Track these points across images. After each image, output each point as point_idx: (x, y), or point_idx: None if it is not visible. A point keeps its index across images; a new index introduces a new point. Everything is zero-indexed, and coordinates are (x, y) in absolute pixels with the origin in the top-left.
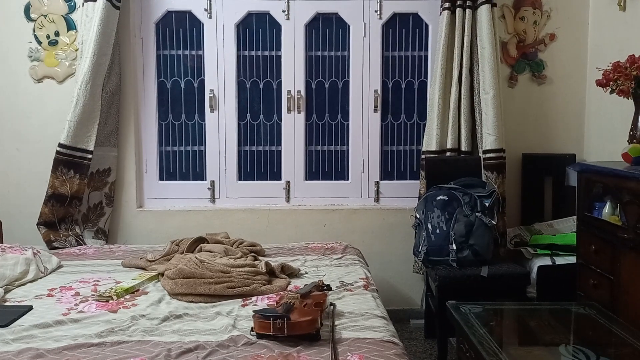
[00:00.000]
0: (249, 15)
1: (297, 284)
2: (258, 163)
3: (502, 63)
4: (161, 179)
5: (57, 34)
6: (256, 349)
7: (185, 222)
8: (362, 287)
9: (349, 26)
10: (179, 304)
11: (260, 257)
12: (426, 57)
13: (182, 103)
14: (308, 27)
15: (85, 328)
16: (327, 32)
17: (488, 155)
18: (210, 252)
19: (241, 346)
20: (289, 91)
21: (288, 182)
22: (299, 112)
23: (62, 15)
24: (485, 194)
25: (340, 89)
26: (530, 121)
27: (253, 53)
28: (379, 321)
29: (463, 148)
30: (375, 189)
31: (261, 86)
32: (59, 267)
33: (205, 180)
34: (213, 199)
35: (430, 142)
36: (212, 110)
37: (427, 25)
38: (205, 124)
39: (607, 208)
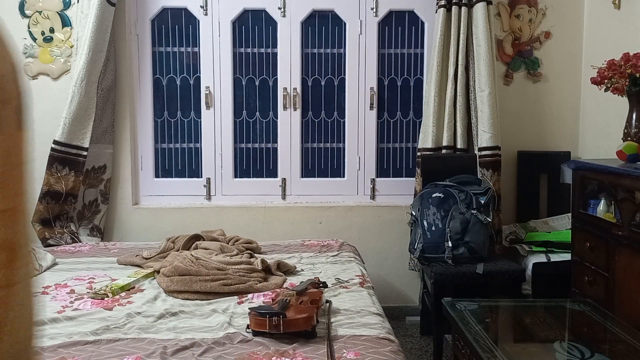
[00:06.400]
0: (245, 12)
1: (293, 281)
2: (254, 160)
3: (498, 61)
4: (157, 176)
5: (52, 30)
6: (252, 346)
7: (181, 219)
8: (358, 284)
9: (344, 23)
10: (174, 301)
11: (256, 255)
12: (422, 54)
13: (178, 100)
14: (304, 24)
15: (81, 326)
16: (323, 29)
17: (484, 152)
18: (206, 249)
19: (237, 343)
20: (285, 88)
21: (284, 180)
22: (295, 109)
23: (57, 12)
24: (481, 191)
25: (336, 87)
26: (526, 119)
27: (249, 50)
28: (375, 318)
29: (459, 145)
30: (371, 186)
31: (257, 83)
32: (54, 264)
33: (201, 177)
34: (209, 196)
35: (426, 139)
36: (208, 107)
37: (422, 23)
38: (201, 121)
39: (601, 205)
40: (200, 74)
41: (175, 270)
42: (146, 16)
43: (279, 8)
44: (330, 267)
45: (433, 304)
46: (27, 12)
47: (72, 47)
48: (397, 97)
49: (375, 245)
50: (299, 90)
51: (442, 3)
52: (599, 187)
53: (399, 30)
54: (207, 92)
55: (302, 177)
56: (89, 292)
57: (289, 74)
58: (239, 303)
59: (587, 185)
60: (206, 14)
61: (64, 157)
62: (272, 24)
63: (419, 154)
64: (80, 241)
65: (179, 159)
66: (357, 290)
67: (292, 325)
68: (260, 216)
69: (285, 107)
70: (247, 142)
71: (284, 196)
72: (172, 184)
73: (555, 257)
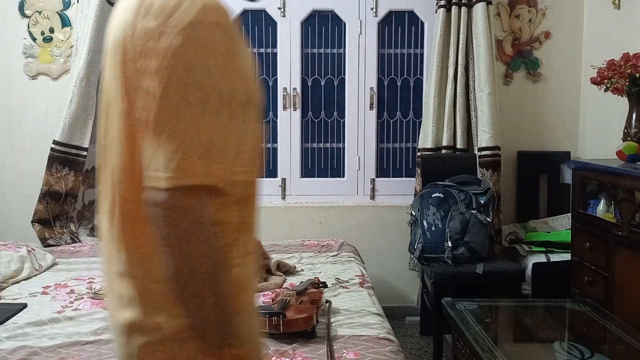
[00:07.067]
0: (245, 12)
1: (293, 281)
2: None
3: (498, 61)
4: None
5: (51, 30)
6: None
7: None
8: (358, 284)
9: (344, 23)
10: None
11: None
12: (422, 54)
13: None
14: (304, 24)
15: (80, 326)
16: (323, 29)
17: (483, 152)
18: None
19: None
20: (285, 88)
21: (284, 180)
22: (295, 109)
23: (57, 12)
24: (481, 191)
25: (336, 87)
26: (526, 119)
27: (249, 50)
28: (375, 318)
29: (458, 145)
30: (371, 186)
31: None
32: (54, 264)
33: None
34: None
35: (425, 139)
36: None
37: (422, 23)
38: None
39: (601, 205)
40: None
41: None
42: None
43: (279, 8)
44: (330, 267)
45: (433, 304)
46: (27, 12)
47: (71, 47)
48: (397, 97)
49: (375, 245)
50: (298, 90)
51: (442, 3)
52: (598, 187)
53: (398, 30)
54: None
55: (302, 177)
56: (88, 292)
57: (288, 74)
58: None
59: (587, 185)
60: None
61: (63, 157)
62: (272, 24)
63: (418, 154)
64: (80, 241)
65: None
66: (357, 290)
67: (292, 325)
68: (260, 216)
69: (285, 107)
70: None
71: (283, 196)
72: None
73: (555, 257)
